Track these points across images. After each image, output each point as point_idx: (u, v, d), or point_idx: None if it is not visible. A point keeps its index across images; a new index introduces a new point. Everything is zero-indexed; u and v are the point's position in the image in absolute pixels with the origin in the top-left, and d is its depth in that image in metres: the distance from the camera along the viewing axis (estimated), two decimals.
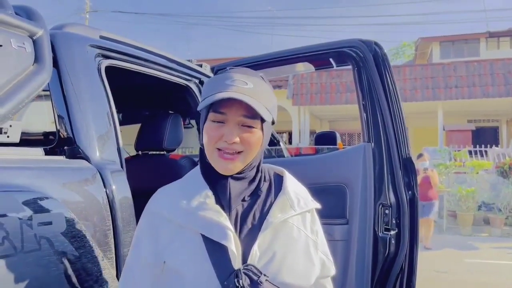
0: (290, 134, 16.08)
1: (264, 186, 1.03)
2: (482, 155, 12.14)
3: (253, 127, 0.96)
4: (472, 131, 14.18)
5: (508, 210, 8.90)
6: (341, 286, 1.77)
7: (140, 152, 2.26)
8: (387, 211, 1.80)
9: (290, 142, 15.67)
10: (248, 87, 0.95)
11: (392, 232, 1.79)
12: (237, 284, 0.87)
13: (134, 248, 1.02)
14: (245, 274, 0.89)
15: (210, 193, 0.98)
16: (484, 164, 9.85)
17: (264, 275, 0.90)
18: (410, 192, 1.81)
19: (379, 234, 1.79)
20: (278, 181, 1.07)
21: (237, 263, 0.91)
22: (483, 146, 12.43)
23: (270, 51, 2.24)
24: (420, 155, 7.11)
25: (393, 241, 1.78)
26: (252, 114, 0.95)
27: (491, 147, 12.23)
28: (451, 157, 10.93)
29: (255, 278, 0.89)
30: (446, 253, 6.72)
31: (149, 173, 2.11)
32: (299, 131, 14.70)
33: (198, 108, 0.99)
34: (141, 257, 0.99)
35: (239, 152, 0.96)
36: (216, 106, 0.95)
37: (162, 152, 2.23)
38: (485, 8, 39.39)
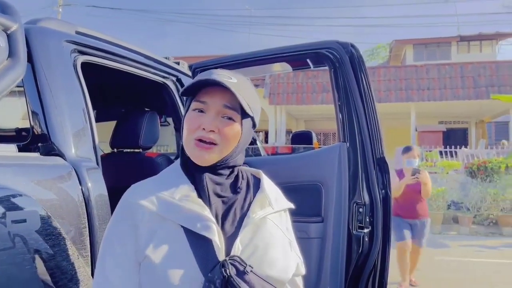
0: (266, 133, 16.14)
1: (243, 184, 1.05)
2: (452, 156, 12.51)
3: (233, 120, 0.98)
4: (443, 132, 14.58)
5: (476, 209, 9.20)
6: (316, 282, 1.80)
7: (115, 150, 2.23)
8: (361, 210, 1.83)
9: (266, 141, 15.72)
10: (232, 81, 0.97)
11: (366, 230, 1.82)
12: (224, 274, 0.87)
13: (114, 244, 0.95)
14: (232, 264, 0.89)
15: (192, 187, 0.98)
16: (454, 164, 10.17)
17: (249, 265, 0.91)
18: (383, 191, 1.85)
19: (353, 232, 1.83)
20: (255, 181, 1.09)
21: (221, 256, 0.91)
22: (453, 147, 12.79)
23: (248, 49, 2.24)
24: (407, 149, 4.55)
25: (366, 239, 1.82)
26: (233, 105, 0.96)
27: (460, 148, 12.60)
28: (422, 157, 11.21)
29: (241, 268, 0.90)
30: None
31: (125, 170, 2.09)
32: (275, 130, 14.79)
33: (181, 94, 1.00)
34: (127, 253, 0.93)
35: (215, 144, 0.96)
36: (199, 95, 0.98)
37: (137, 150, 2.21)
38: (456, 13, 40.51)
